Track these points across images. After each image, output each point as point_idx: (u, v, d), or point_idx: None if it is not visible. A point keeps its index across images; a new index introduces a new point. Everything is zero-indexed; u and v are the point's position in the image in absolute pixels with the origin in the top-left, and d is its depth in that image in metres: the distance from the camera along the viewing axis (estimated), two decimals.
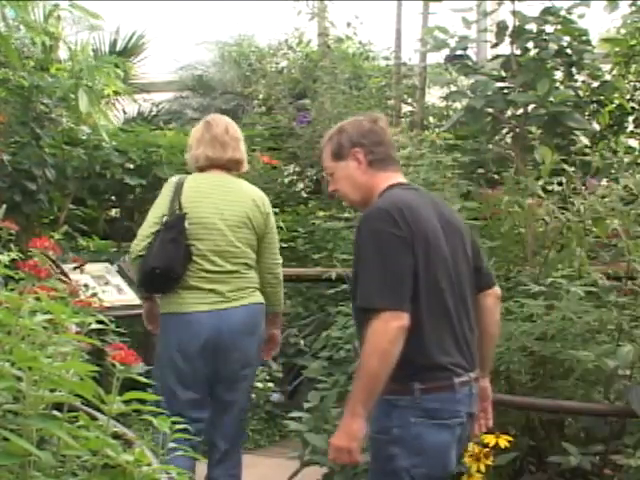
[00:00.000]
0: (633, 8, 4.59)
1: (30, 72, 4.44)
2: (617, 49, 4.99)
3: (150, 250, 3.02)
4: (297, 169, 7.26)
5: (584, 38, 3.39)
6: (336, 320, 3.56)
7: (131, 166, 5.31)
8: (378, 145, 2.31)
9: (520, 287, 2.89)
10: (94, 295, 3.84)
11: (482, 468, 2.39)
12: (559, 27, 3.33)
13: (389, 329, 2.05)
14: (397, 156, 2.41)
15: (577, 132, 3.52)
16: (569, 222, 2.92)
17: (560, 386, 2.79)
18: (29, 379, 1.41)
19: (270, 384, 5.20)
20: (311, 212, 6.43)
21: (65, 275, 3.68)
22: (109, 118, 5.08)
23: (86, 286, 4.09)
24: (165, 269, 2.97)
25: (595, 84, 4.44)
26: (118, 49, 8.16)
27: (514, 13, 3.33)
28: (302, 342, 5.66)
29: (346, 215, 4.83)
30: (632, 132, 5.11)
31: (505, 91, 3.37)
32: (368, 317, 2.06)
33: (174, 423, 1.73)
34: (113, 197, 5.76)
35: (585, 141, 3.70)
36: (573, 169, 3.08)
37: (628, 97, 5.05)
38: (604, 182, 3.53)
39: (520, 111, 3.36)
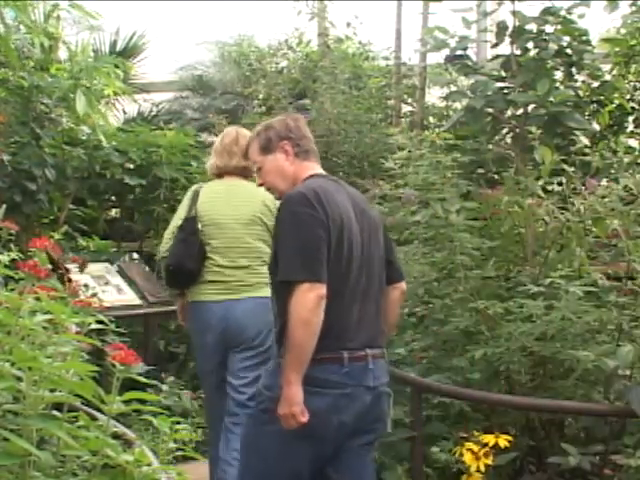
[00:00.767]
0: (633, 8, 4.59)
1: (30, 72, 4.44)
2: (617, 49, 4.99)
3: (169, 251, 3.41)
4: None
5: (584, 38, 3.39)
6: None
7: (131, 166, 5.31)
8: (302, 139, 2.55)
9: (520, 287, 2.89)
10: (94, 295, 3.85)
11: (482, 468, 2.39)
12: (559, 27, 3.33)
13: (308, 299, 2.22)
14: (316, 150, 2.61)
15: (577, 132, 3.52)
16: (569, 222, 2.92)
17: (560, 386, 2.78)
18: (29, 379, 1.41)
19: None
20: None
21: (67, 271, 3.68)
22: (107, 119, 5.09)
23: (86, 286, 4.09)
24: (177, 266, 3.33)
25: (595, 84, 4.43)
26: (118, 49, 8.16)
27: (514, 13, 3.33)
28: None
29: None
30: (632, 132, 5.11)
31: (505, 91, 3.37)
32: (289, 290, 2.23)
33: (175, 423, 1.73)
34: (113, 197, 5.76)
35: (585, 141, 3.70)
36: (573, 169, 3.08)
37: (628, 97, 5.04)
38: (604, 182, 3.53)
39: (520, 111, 3.36)
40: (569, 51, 3.37)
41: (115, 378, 1.50)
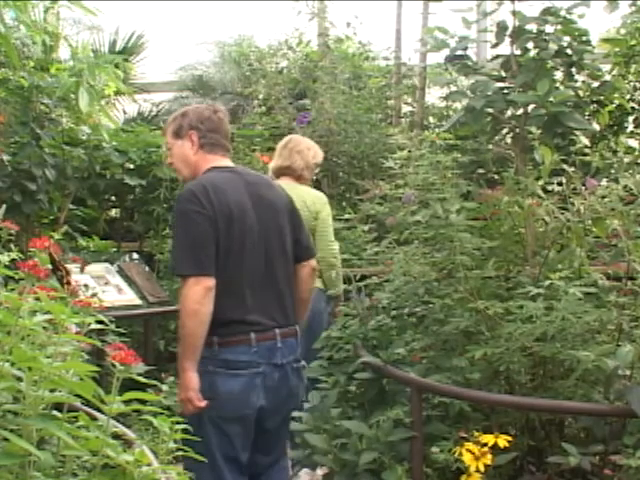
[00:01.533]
0: (633, 8, 4.59)
1: (30, 72, 4.44)
2: (617, 49, 4.99)
3: None
4: None
5: (584, 38, 3.39)
6: (336, 320, 3.56)
7: (131, 166, 5.31)
8: (212, 132, 2.70)
9: (520, 288, 2.89)
10: (94, 295, 3.84)
11: (481, 467, 2.39)
12: (559, 27, 3.32)
13: (195, 292, 2.41)
14: (228, 144, 2.79)
15: (577, 132, 3.52)
16: (569, 222, 2.92)
17: (560, 386, 2.78)
18: (29, 379, 1.41)
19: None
20: None
21: (68, 273, 3.68)
22: (110, 116, 5.08)
23: (86, 286, 4.09)
24: None
25: (595, 84, 4.43)
26: (118, 49, 8.16)
27: (514, 13, 3.32)
28: None
29: (346, 216, 4.83)
30: (632, 132, 5.11)
31: (505, 91, 3.36)
32: (181, 283, 2.45)
33: (174, 423, 1.73)
34: (113, 197, 5.76)
35: (585, 141, 3.70)
36: (573, 169, 3.07)
37: (628, 97, 5.05)
38: (604, 182, 3.53)
39: (520, 111, 3.36)
40: (569, 51, 3.36)
41: (115, 378, 1.50)
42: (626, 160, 4.06)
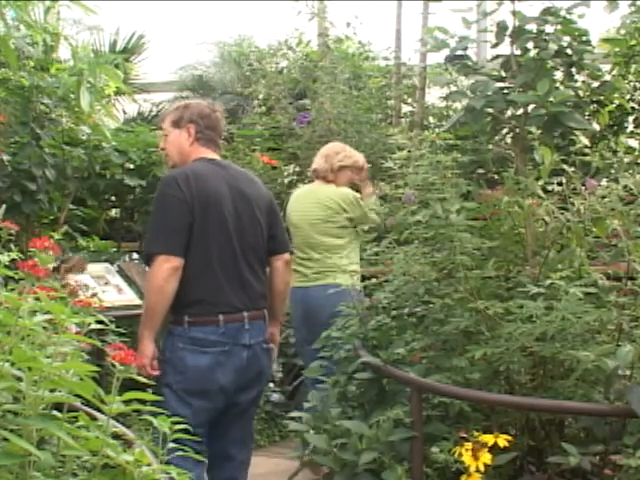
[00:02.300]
0: (633, 8, 4.58)
1: (30, 72, 4.43)
2: (617, 49, 4.99)
3: None
4: (297, 169, 7.25)
5: (584, 38, 3.39)
6: (336, 320, 3.56)
7: (131, 166, 5.31)
8: (209, 129, 2.92)
9: (520, 287, 2.89)
10: (94, 295, 3.84)
11: (481, 467, 2.39)
12: (559, 27, 3.32)
13: (162, 270, 2.60)
14: (220, 142, 3.00)
15: (577, 132, 3.52)
16: (569, 222, 2.92)
17: (560, 386, 2.78)
18: (29, 379, 1.41)
19: (270, 384, 5.19)
20: None
21: (64, 276, 3.69)
22: (112, 115, 5.08)
23: (86, 286, 4.09)
24: None
25: (595, 84, 4.43)
26: (118, 49, 8.16)
27: (514, 13, 3.32)
28: None
29: None
30: (632, 132, 5.12)
31: (505, 91, 3.36)
32: (149, 261, 2.66)
33: (174, 423, 1.73)
34: (113, 197, 5.75)
35: (585, 141, 3.70)
36: (573, 169, 3.07)
37: (628, 97, 5.05)
38: (604, 182, 3.53)
39: (520, 111, 3.36)
40: (569, 51, 3.36)
41: (115, 378, 1.50)
42: (626, 160, 4.06)
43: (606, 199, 2.83)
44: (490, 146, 4.03)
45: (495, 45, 3.49)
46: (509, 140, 3.67)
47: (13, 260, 1.88)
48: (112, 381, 1.50)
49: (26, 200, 4.45)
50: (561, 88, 3.29)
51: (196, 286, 2.67)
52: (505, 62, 3.42)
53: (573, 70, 3.46)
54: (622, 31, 4.97)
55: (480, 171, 4.51)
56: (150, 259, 2.67)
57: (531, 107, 3.32)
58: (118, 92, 5.27)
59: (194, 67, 8.66)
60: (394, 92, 7.12)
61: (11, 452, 1.36)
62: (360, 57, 7.82)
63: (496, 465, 2.50)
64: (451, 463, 2.52)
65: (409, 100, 7.29)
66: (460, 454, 2.44)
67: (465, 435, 2.55)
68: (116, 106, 8.04)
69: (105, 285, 4.59)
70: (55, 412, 1.49)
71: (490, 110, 3.34)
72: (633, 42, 4.90)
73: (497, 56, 3.53)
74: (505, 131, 3.63)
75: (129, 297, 4.61)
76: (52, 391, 1.46)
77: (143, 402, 1.62)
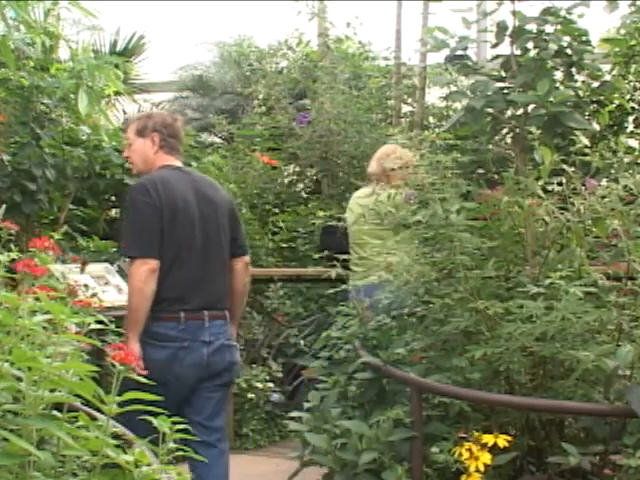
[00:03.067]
0: (633, 8, 4.58)
1: (30, 72, 4.43)
2: (617, 49, 4.99)
3: None
4: (297, 169, 7.26)
5: (584, 38, 3.39)
6: (336, 320, 3.56)
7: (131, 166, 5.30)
8: (171, 137, 3.07)
9: (520, 287, 2.88)
10: (94, 295, 3.84)
11: (481, 467, 2.39)
12: (559, 27, 3.32)
13: (140, 272, 2.77)
14: (182, 149, 3.16)
15: (577, 132, 3.52)
16: (569, 222, 2.92)
17: (560, 386, 2.78)
18: (29, 379, 1.41)
19: (270, 384, 5.19)
20: (311, 212, 6.43)
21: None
22: (109, 118, 5.08)
23: (86, 286, 4.09)
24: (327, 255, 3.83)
25: (595, 84, 4.43)
26: (118, 49, 8.17)
27: (514, 13, 3.32)
28: (302, 342, 5.66)
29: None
30: (632, 132, 5.11)
31: (505, 91, 3.36)
32: (129, 264, 2.82)
33: (174, 423, 1.73)
34: (113, 197, 5.75)
35: (585, 141, 3.70)
36: (573, 169, 3.07)
37: (628, 97, 5.04)
38: (604, 182, 3.52)
39: (520, 111, 3.36)
40: (569, 51, 3.36)
41: (115, 378, 1.50)
42: (626, 160, 4.06)
43: (606, 199, 2.83)
44: (490, 146, 4.03)
45: (495, 45, 3.49)
46: (509, 140, 3.67)
47: (13, 260, 1.88)
48: (112, 381, 1.50)
49: (26, 200, 4.45)
50: (561, 88, 3.29)
51: (163, 286, 2.82)
52: (505, 62, 3.42)
53: (573, 70, 3.46)
54: (622, 31, 4.97)
55: (480, 171, 4.49)
56: (129, 262, 2.84)
57: (531, 107, 3.32)
58: (118, 92, 5.26)
59: (194, 67, 8.66)
60: (394, 92, 7.12)
61: (11, 452, 1.36)
62: (360, 57, 7.82)
63: (496, 465, 2.50)
64: (451, 463, 2.52)
65: (409, 100, 7.29)
66: (460, 454, 2.44)
67: (465, 435, 2.55)
68: (116, 106, 8.05)
69: (105, 285, 4.59)
70: (55, 412, 1.49)
71: (490, 110, 3.34)
72: (633, 42, 4.90)
73: (497, 56, 3.53)
74: (505, 131, 3.63)
75: None
76: (52, 391, 1.46)
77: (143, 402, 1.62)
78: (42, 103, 4.54)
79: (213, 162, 5.92)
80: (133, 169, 3.19)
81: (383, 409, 2.85)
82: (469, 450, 2.42)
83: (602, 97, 4.60)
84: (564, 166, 3.08)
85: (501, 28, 3.40)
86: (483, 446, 2.42)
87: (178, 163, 3.11)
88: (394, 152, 4.52)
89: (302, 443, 3.04)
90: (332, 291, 3.95)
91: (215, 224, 3.00)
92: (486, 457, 2.41)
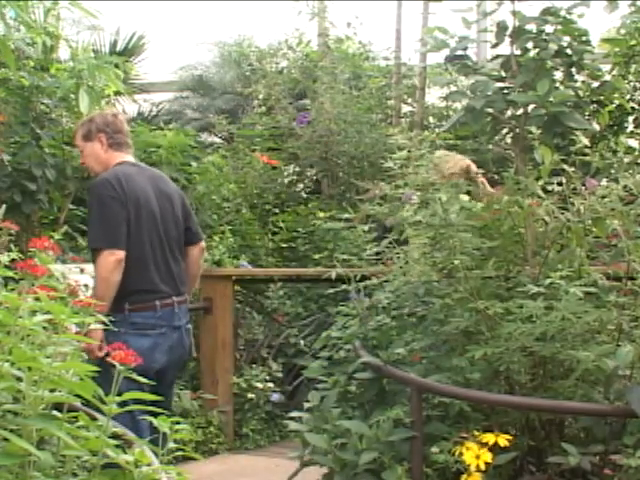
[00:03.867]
0: (633, 8, 4.58)
1: (30, 72, 4.43)
2: (617, 49, 4.99)
3: None
4: (297, 169, 7.26)
5: (584, 38, 3.38)
6: (336, 320, 3.56)
7: None
8: (117, 133, 3.19)
9: (520, 287, 2.88)
10: None
11: (482, 466, 2.39)
12: (559, 27, 3.32)
13: (107, 262, 2.91)
14: (130, 141, 3.27)
15: (577, 132, 3.52)
16: (569, 222, 2.92)
17: (560, 386, 2.78)
18: (29, 379, 1.41)
19: (270, 384, 5.19)
20: (311, 212, 6.43)
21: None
22: None
23: (86, 286, 4.08)
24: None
25: (595, 84, 4.43)
26: (118, 49, 8.16)
27: (514, 13, 3.32)
28: (302, 342, 5.66)
29: (346, 215, 4.83)
30: (632, 132, 5.12)
31: (505, 91, 3.36)
32: (96, 256, 2.94)
33: (174, 423, 1.73)
34: None
35: (585, 141, 3.70)
36: (573, 169, 3.07)
37: (628, 97, 5.05)
38: (604, 182, 3.53)
39: (520, 111, 3.36)
40: (569, 51, 3.36)
41: (115, 378, 1.50)
42: (626, 160, 4.06)
43: (606, 199, 2.83)
44: (490, 146, 4.03)
45: (495, 45, 3.49)
46: (509, 140, 3.67)
47: (13, 260, 1.88)
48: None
49: (26, 200, 4.45)
50: (561, 88, 3.29)
51: (134, 277, 2.97)
52: (505, 62, 3.42)
53: (573, 70, 3.46)
54: (622, 31, 4.97)
55: (480, 171, 4.51)
56: (95, 254, 2.95)
57: (531, 107, 3.32)
58: (118, 92, 5.26)
59: (194, 67, 8.66)
60: (394, 92, 7.12)
61: (11, 452, 1.36)
62: (360, 57, 7.83)
63: (496, 465, 2.50)
64: (451, 463, 2.52)
65: (409, 100, 7.30)
66: (460, 454, 2.44)
67: (465, 435, 2.55)
68: (116, 106, 8.03)
69: None
70: (55, 412, 1.49)
71: (490, 110, 3.34)
72: (633, 42, 4.91)
73: (497, 56, 3.53)
74: (505, 131, 3.63)
75: None
76: (52, 391, 1.46)
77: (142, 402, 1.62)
78: (42, 103, 4.54)
79: (213, 162, 5.92)
80: (91, 172, 3.31)
81: (383, 409, 2.85)
82: (469, 449, 2.42)
83: (602, 97, 4.61)
84: (564, 166, 3.08)
85: (501, 28, 3.40)
86: (483, 445, 2.42)
87: (130, 157, 3.23)
88: (450, 157, 4.55)
89: (302, 443, 3.03)
90: (332, 291, 3.96)
91: (172, 216, 3.16)
92: (487, 455, 2.40)
